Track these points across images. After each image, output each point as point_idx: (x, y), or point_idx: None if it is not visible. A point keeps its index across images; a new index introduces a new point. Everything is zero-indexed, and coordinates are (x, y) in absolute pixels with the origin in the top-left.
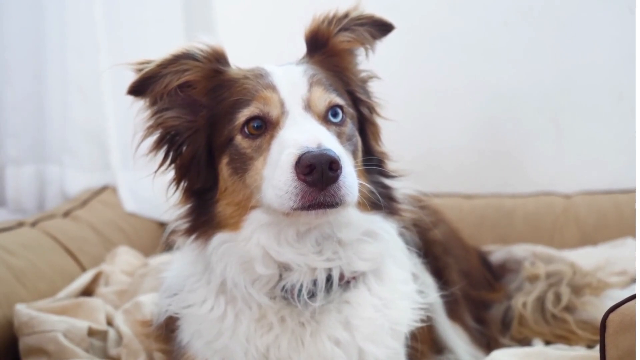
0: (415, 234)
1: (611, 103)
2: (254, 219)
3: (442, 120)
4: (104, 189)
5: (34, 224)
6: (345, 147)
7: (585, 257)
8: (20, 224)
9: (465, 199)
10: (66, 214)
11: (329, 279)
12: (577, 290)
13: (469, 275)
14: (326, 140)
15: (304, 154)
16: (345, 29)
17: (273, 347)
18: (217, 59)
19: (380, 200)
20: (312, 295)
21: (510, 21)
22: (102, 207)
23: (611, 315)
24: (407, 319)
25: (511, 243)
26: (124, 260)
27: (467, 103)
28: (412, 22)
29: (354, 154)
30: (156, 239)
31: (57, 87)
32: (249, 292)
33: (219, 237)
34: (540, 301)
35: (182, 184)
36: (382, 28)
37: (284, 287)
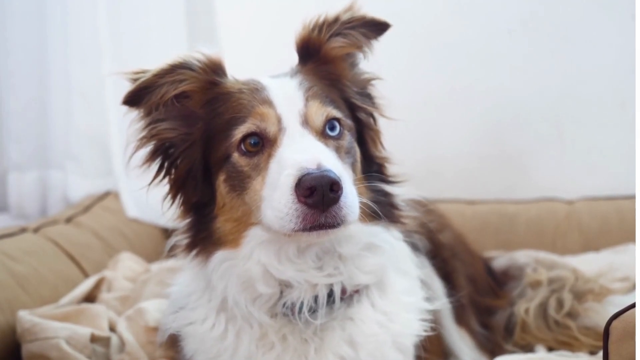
0: (424, 236)
1: (614, 110)
2: (254, 236)
3: (445, 127)
4: (106, 194)
5: (36, 230)
6: (344, 161)
7: (587, 263)
8: (22, 230)
9: (467, 205)
10: (69, 220)
11: (330, 294)
12: (579, 296)
13: (475, 281)
14: (326, 159)
15: (304, 175)
16: (336, 34)
17: None
18: (214, 69)
19: (380, 211)
20: (313, 312)
21: (514, 29)
22: (105, 213)
23: (614, 323)
24: (413, 331)
25: (514, 249)
26: (126, 266)
27: (470, 109)
28: (415, 29)
29: (353, 166)
30: (158, 244)
31: (60, 93)
32: (250, 310)
33: (219, 255)
34: (543, 307)
35: (178, 197)
36: (376, 28)
37: (284, 304)
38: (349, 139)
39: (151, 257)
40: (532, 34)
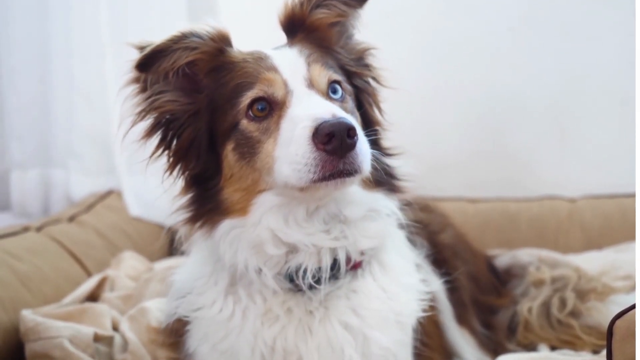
0: (424, 238)
1: (615, 107)
2: (263, 202)
3: (447, 124)
4: (109, 193)
5: (39, 229)
6: None
7: (590, 262)
8: (25, 229)
9: (469, 203)
10: (71, 219)
11: (334, 266)
12: (582, 295)
13: (477, 280)
14: (339, 110)
15: (321, 123)
16: (317, 6)
17: (279, 338)
18: (222, 39)
19: (381, 179)
20: (318, 280)
21: (515, 27)
22: (107, 211)
23: (618, 322)
24: (411, 311)
25: (516, 247)
26: (129, 265)
27: (471, 107)
28: (417, 27)
29: None
30: (161, 243)
31: (62, 91)
32: (262, 270)
33: (227, 224)
34: (546, 306)
35: (177, 169)
36: None
37: (288, 269)
38: (351, 104)
39: (154, 255)
40: (533, 31)
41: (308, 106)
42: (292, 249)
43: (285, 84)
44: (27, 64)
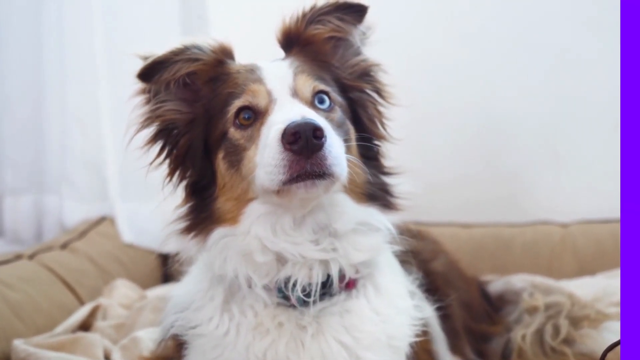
0: (416, 266)
1: (608, 132)
2: (252, 211)
3: (440, 149)
4: (102, 219)
5: (31, 257)
6: (337, 133)
7: (583, 287)
8: (18, 257)
9: (463, 229)
10: (64, 246)
11: (326, 282)
12: (575, 322)
13: (470, 308)
14: (310, 113)
15: (289, 124)
16: (311, 21)
17: (270, 351)
18: (224, 52)
19: (375, 194)
20: (309, 295)
21: (509, 52)
22: (100, 238)
23: (609, 355)
24: (405, 335)
25: (509, 273)
26: (121, 294)
27: (465, 132)
28: (410, 52)
29: (345, 142)
30: (154, 270)
31: (56, 117)
32: (252, 279)
33: (219, 232)
34: (539, 334)
35: (175, 176)
36: (352, 11)
37: (277, 281)
38: (340, 115)
39: (147, 282)
40: (527, 57)
41: (286, 111)
42: (280, 259)
43: (269, 94)
44: (20, 90)
